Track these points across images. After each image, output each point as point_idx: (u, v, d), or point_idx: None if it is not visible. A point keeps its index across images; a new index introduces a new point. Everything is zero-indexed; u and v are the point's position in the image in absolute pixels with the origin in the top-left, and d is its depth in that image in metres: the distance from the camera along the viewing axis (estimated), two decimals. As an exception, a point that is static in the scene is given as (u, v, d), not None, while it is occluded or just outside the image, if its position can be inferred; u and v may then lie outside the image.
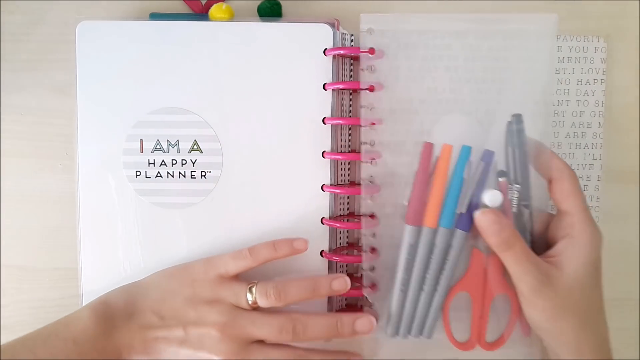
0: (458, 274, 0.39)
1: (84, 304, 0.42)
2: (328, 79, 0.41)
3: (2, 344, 0.37)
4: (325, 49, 0.41)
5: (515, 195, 0.38)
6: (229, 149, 0.41)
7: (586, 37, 0.43)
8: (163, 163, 0.42)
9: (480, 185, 0.38)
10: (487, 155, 0.38)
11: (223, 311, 0.37)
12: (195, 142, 0.42)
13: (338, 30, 0.41)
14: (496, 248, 0.36)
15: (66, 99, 0.44)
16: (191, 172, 0.42)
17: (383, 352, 0.41)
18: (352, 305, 0.44)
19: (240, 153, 0.41)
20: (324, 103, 0.41)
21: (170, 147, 0.42)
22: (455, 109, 0.40)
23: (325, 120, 0.41)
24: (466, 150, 0.38)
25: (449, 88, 0.40)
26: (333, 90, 0.41)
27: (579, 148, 0.44)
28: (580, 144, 0.44)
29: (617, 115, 0.44)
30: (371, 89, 0.39)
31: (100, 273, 0.42)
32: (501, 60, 0.40)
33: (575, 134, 0.44)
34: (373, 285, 0.40)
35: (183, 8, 0.44)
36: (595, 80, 0.43)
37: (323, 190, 0.41)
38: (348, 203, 0.44)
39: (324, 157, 0.41)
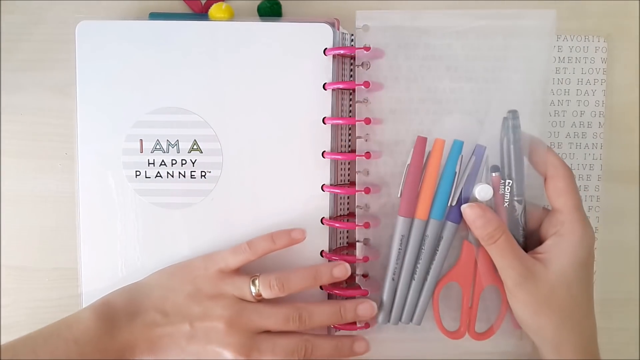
0: (448, 265, 0.40)
1: (83, 304, 0.42)
2: (328, 78, 0.41)
3: (2, 343, 0.37)
4: (325, 48, 0.41)
5: (508, 191, 0.38)
6: (229, 149, 0.41)
7: (586, 37, 0.43)
8: (163, 163, 0.42)
9: (472, 179, 0.39)
10: (478, 150, 0.38)
11: (228, 304, 0.38)
12: (195, 142, 0.42)
13: (338, 30, 0.41)
14: (482, 241, 0.37)
15: (66, 99, 0.44)
16: (191, 172, 0.42)
17: (375, 339, 0.41)
18: (352, 305, 0.44)
19: (240, 153, 0.41)
20: (324, 103, 0.41)
21: (170, 147, 0.42)
22: (455, 109, 0.40)
23: (325, 120, 0.41)
24: (458, 145, 0.39)
25: (449, 88, 0.40)
26: (333, 90, 0.41)
27: (579, 148, 0.44)
28: (580, 144, 0.44)
29: (618, 115, 0.44)
30: (366, 85, 0.39)
31: (100, 273, 0.42)
32: (501, 60, 0.40)
33: (576, 133, 0.44)
34: (365, 275, 0.41)
35: (183, 8, 0.44)
36: (596, 80, 0.43)
37: (323, 190, 0.41)
38: (348, 203, 0.44)
39: (324, 157, 0.41)
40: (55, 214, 0.45)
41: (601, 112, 0.44)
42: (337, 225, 0.41)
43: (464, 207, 0.38)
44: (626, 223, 0.45)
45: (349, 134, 0.43)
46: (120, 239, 0.42)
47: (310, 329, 0.38)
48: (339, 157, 0.41)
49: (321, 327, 0.39)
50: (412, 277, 0.40)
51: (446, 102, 0.40)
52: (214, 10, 0.43)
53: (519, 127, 0.38)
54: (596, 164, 0.44)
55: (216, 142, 0.41)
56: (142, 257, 0.42)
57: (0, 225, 0.45)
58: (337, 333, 0.42)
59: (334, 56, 0.41)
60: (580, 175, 0.43)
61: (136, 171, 0.42)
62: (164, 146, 0.42)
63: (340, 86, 0.41)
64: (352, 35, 0.42)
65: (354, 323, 0.41)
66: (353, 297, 0.41)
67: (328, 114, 0.41)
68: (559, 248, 0.36)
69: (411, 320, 0.41)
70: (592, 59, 0.43)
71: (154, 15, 0.43)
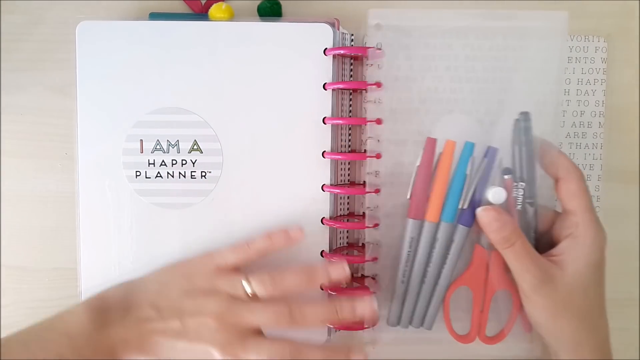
0: (460, 269, 0.40)
1: (83, 305, 0.42)
2: (328, 78, 0.41)
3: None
4: (325, 48, 0.41)
5: (520, 193, 0.38)
6: (229, 149, 0.41)
7: (587, 37, 0.43)
8: (163, 163, 0.42)
9: (484, 182, 0.38)
10: (491, 152, 0.38)
11: (220, 301, 0.37)
12: (195, 142, 0.42)
13: (338, 30, 0.41)
14: (497, 245, 0.37)
15: (66, 99, 0.44)
16: (191, 172, 0.42)
17: (383, 340, 0.41)
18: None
19: (240, 153, 0.41)
20: (324, 103, 0.41)
21: (170, 147, 0.42)
22: (456, 109, 0.40)
23: (325, 120, 0.41)
24: (469, 147, 0.38)
25: (450, 87, 0.40)
26: (333, 90, 0.41)
27: (580, 148, 0.44)
28: (580, 144, 0.44)
29: (618, 115, 0.44)
30: (378, 85, 0.39)
31: (100, 273, 0.42)
32: (501, 60, 0.40)
33: (576, 133, 0.44)
34: (374, 278, 0.41)
35: (183, 8, 0.44)
36: (596, 80, 0.43)
37: (323, 190, 0.41)
38: (348, 203, 0.44)
39: (324, 157, 0.41)
40: (55, 214, 0.45)
41: (601, 112, 0.44)
42: (337, 225, 0.41)
43: (479, 211, 0.37)
44: (626, 223, 0.45)
45: (349, 134, 0.43)
46: (120, 239, 0.42)
47: (304, 328, 0.37)
48: (339, 157, 0.41)
49: (315, 325, 0.39)
50: (422, 281, 0.40)
51: (447, 101, 0.40)
52: (214, 10, 0.42)
53: (530, 129, 0.38)
54: (596, 164, 0.44)
55: (216, 142, 0.41)
56: (142, 257, 0.42)
57: (0, 225, 0.45)
58: (337, 333, 0.42)
59: (334, 56, 0.41)
60: (581, 175, 0.43)
61: (136, 171, 0.42)
62: (164, 146, 0.42)
63: (341, 86, 0.41)
64: (352, 35, 0.42)
65: (356, 322, 0.41)
66: (357, 289, 0.41)
67: (328, 114, 0.41)
68: (574, 250, 0.36)
69: (422, 324, 0.40)
70: (592, 59, 0.43)
71: (154, 15, 0.43)
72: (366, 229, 0.40)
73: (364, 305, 0.38)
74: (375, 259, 0.40)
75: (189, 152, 0.42)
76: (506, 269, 0.38)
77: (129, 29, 0.42)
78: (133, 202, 0.42)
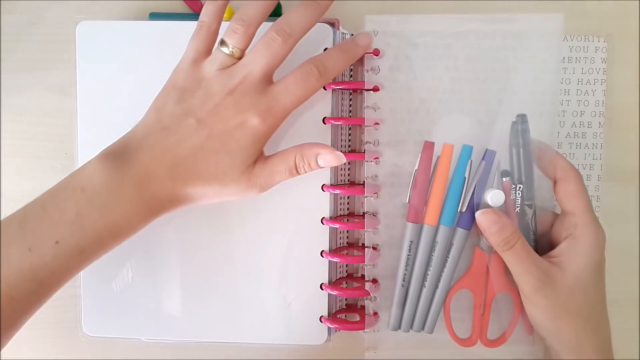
0: (460, 272, 0.40)
1: (83, 305, 0.42)
2: (328, 79, 0.41)
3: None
4: (325, 48, 0.41)
5: (519, 195, 0.38)
6: (228, 149, 0.41)
7: (587, 37, 0.43)
8: (163, 163, 0.42)
9: (482, 185, 0.38)
10: (489, 155, 0.38)
11: (216, 78, 0.35)
12: (195, 142, 0.41)
13: (338, 30, 0.41)
14: (497, 247, 0.37)
15: (66, 99, 0.44)
16: (191, 172, 0.42)
17: (384, 345, 0.41)
18: (352, 305, 0.44)
19: (240, 153, 0.41)
20: (324, 103, 0.41)
21: (170, 147, 0.42)
22: (456, 109, 0.40)
23: (325, 120, 0.41)
24: (467, 150, 0.38)
25: (450, 88, 0.40)
26: (333, 90, 0.41)
27: (579, 148, 0.44)
28: (580, 144, 0.44)
29: (618, 115, 0.44)
30: (375, 89, 0.40)
31: (100, 273, 0.42)
32: (501, 60, 0.40)
33: (576, 133, 0.44)
34: (375, 281, 0.41)
35: (183, 8, 0.44)
36: (596, 80, 0.43)
37: (323, 190, 0.41)
38: (348, 203, 0.44)
39: (324, 157, 0.41)
40: (56, 214, 0.45)
41: (601, 112, 0.43)
42: (337, 225, 0.41)
43: (478, 214, 0.37)
44: (626, 223, 0.45)
45: (349, 134, 0.43)
46: (120, 239, 0.42)
47: (293, 44, 0.35)
48: (339, 157, 0.41)
49: (339, 70, 0.38)
50: (422, 284, 0.40)
51: (447, 102, 0.40)
52: (214, 10, 0.42)
53: (528, 131, 0.38)
54: (596, 164, 0.44)
55: (216, 142, 0.41)
56: (140, 258, 0.42)
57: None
58: (337, 333, 0.42)
59: (334, 56, 0.41)
60: (581, 175, 0.43)
61: (136, 171, 0.42)
62: (164, 146, 0.42)
63: (340, 86, 0.41)
64: (352, 35, 0.42)
65: (356, 323, 0.41)
66: (357, 289, 0.41)
67: (328, 114, 0.41)
68: (574, 251, 0.36)
69: (423, 328, 0.40)
70: (592, 59, 0.43)
71: (154, 15, 0.43)
72: (365, 232, 0.40)
73: (364, 36, 0.37)
74: (373, 261, 0.40)
75: (189, 152, 0.42)
76: (506, 272, 0.38)
77: (129, 29, 0.42)
78: (133, 202, 0.42)
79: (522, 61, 0.39)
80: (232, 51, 0.35)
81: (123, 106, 0.42)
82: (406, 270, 0.40)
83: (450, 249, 0.39)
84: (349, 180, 0.43)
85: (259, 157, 0.36)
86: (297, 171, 0.36)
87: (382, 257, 0.41)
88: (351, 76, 0.43)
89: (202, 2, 0.44)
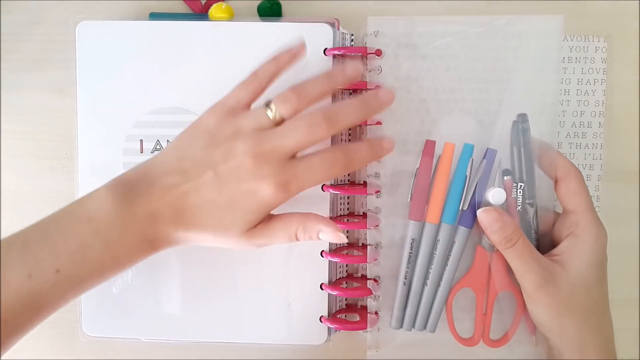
0: (462, 270, 0.40)
1: (83, 306, 0.42)
2: (328, 79, 0.41)
3: (12, 233, 0.34)
4: (326, 48, 0.41)
5: (520, 194, 0.38)
6: (229, 149, 0.41)
7: (587, 37, 0.43)
8: (163, 163, 0.42)
9: (483, 183, 0.38)
10: (490, 154, 0.38)
11: (247, 137, 0.33)
12: (195, 142, 0.41)
13: (338, 30, 0.41)
14: (499, 245, 0.37)
15: (66, 99, 0.44)
16: (191, 172, 0.42)
17: (386, 344, 0.41)
18: (352, 305, 0.44)
19: (240, 153, 0.41)
20: (324, 103, 0.41)
21: (170, 147, 0.42)
22: (456, 109, 0.40)
23: (326, 120, 0.41)
24: (468, 148, 0.39)
25: (450, 88, 0.40)
26: (333, 90, 0.41)
27: (580, 148, 0.44)
28: (580, 144, 0.44)
29: (618, 115, 0.44)
30: (377, 89, 0.40)
31: (100, 273, 0.42)
32: (502, 60, 0.40)
33: (576, 133, 0.44)
34: (376, 280, 0.41)
35: (183, 8, 0.44)
36: (596, 80, 0.43)
37: (323, 191, 0.41)
38: (348, 203, 0.44)
39: (324, 157, 0.41)
40: (56, 214, 0.45)
41: (601, 112, 0.43)
42: (337, 225, 0.41)
43: (480, 212, 0.37)
44: (626, 223, 0.45)
45: (349, 134, 0.43)
46: (120, 239, 0.42)
47: (339, 131, 0.34)
48: (339, 157, 0.41)
49: (349, 126, 0.35)
50: (424, 283, 0.40)
51: (446, 102, 0.40)
52: (214, 10, 0.43)
53: (528, 130, 0.38)
54: (596, 164, 0.44)
55: (216, 142, 0.41)
56: (142, 257, 0.42)
57: (0, 225, 0.45)
58: (337, 333, 0.42)
59: (334, 56, 0.41)
60: (581, 175, 0.43)
61: (136, 171, 0.42)
62: (164, 146, 0.42)
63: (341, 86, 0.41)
64: (352, 35, 0.42)
65: (356, 323, 0.41)
66: (357, 289, 0.41)
67: (328, 114, 0.41)
68: (575, 249, 0.37)
69: (425, 326, 0.40)
70: (592, 59, 0.43)
71: (154, 15, 0.43)
72: (367, 231, 0.40)
73: (385, 93, 0.35)
74: (375, 259, 0.40)
75: (189, 152, 0.41)
76: (508, 270, 0.38)
77: (129, 29, 0.42)
78: (133, 202, 0.42)
79: (522, 61, 0.40)
80: (274, 116, 0.34)
81: (123, 106, 0.42)
82: (408, 268, 0.40)
83: (452, 247, 0.39)
84: (349, 181, 0.43)
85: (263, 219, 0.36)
86: (297, 239, 0.36)
87: (384, 255, 0.41)
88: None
89: (202, 2, 0.44)
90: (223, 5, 0.43)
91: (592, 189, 0.44)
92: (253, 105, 0.36)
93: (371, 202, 0.41)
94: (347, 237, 0.44)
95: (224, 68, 0.41)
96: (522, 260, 0.36)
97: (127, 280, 0.42)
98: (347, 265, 0.44)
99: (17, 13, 0.45)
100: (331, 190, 0.41)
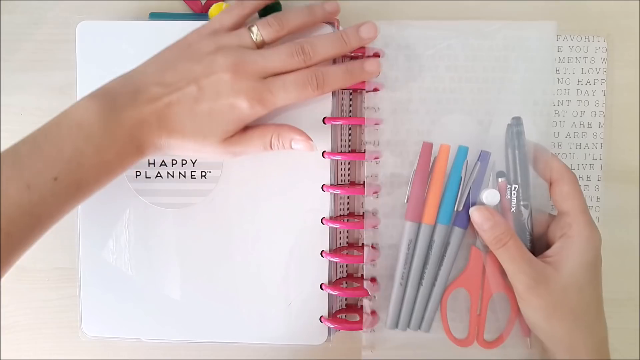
0: (457, 271, 0.40)
1: (83, 305, 0.42)
2: (328, 78, 0.41)
3: (1, 150, 0.34)
4: (326, 48, 0.41)
5: (514, 196, 0.38)
6: (229, 149, 0.41)
7: (587, 37, 0.43)
8: (163, 163, 0.42)
9: (478, 185, 0.39)
10: (484, 156, 0.39)
11: (229, 53, 0.36)
12: (195, 142, 0.41)
13: (338, 30, 0.41)
14: (490, 244, 0.37)
15: (66, 99, 0.44)
16: (191, 172, 0.42)
17: (382, 345, 0.41)
18: (352, 305, 0.44)
19: (240, 153, 0.41)
20: (324, 103, 0.41)
21: (170, 147, 0.42)
22: (456, 109, 0.40)
23: (326, 120, 0.41)
24: (463, 151, 0.39)
25: (449, 88, 0.40)
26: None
27: (579, 148, 0.44)
28: (580, 144, 0.44)
29: (618, 115, 0.44)
30: (376, 90, 0.40)
31: (100, 273, 0.42)
32: (501, 60, 0.40)
33: (576, 133, 0.44)
34: (373, 280, 0.41)
35: (183, 8, 0.44)
36: (596, 80, 0.43)
37: (323, 190, 0.41)
38: (348, 203, 0.44)
39: (324, 157, 0.41)
40: (56, 214, 0.45)
41: (601, 112, 0.44)
42: (337, 225, 0.41)
43: (472, 210, 0.38)
44: (626, 223, 0.45)
45: (349, 134, 0.43)
46: (120, 239, 0.42)
47: (316, 62, 0.37)
48: (339, 157, 0.41)
49: (326, 59, 0.38)
50: (420, 283, 0.40)
51: (446, 102, 0.40)
52: (214, 10, 0.42)
53: (523, 133, 0.38)
54: (596, 164, 0.44)
55: (216, 142, 0.41)
56: (142, 257, 0.42)
57: (0, 225, 0.45)
58: (337, 333, 0.42)
59: (334, 56, 0.41)
60: (580, 175, 0.43)
61: (136, 171, 0.42)
62: (164, 146, 0.42)
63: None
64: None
65: (356, 323, 0.41)
66: (357, 289, 0.41)
67: (328, 114, 0.41)
68: (567, 250, 0.37)
69: (419, 327, 0.40)
70: (592, 59, 0.43)
71: (154, 15, 0.43)
72: (365, 232, 0.40)
73: (369, 28, 0.37)
74: (373, 260, 0.40)
75: (189, 152, 0.42)
76: (502, 272, 0.38)
77: (129, 29, 0.42)
78: (133, 202, 0.42)
79: (520, 63, 0.40)
80: (256, 38, 0.37)
81: (123, 106, 0.42)
82: (405, 268, 0.40)
83: (447, 248, 0.39)
84: (349, 180, 0.43)
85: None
86: (271, 148, 0.38)
87: (382, 256, 0.41)
88: (351, 76, 0.43)
89: (202, 2, 0.44)
90: (223, 5, 0.43)
91: (592, 189, 0.44)
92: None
93: (370, 202, 0.41)
94: (347, 237, 0.44)
95: (224, 68, 0.41)
96: (513, 261, 0.36)
97: (128, 280, 0.42)
98: (347, 265, 0.44)
99: (18, 13, 0.45)
100: (331, 190, 0.41)
